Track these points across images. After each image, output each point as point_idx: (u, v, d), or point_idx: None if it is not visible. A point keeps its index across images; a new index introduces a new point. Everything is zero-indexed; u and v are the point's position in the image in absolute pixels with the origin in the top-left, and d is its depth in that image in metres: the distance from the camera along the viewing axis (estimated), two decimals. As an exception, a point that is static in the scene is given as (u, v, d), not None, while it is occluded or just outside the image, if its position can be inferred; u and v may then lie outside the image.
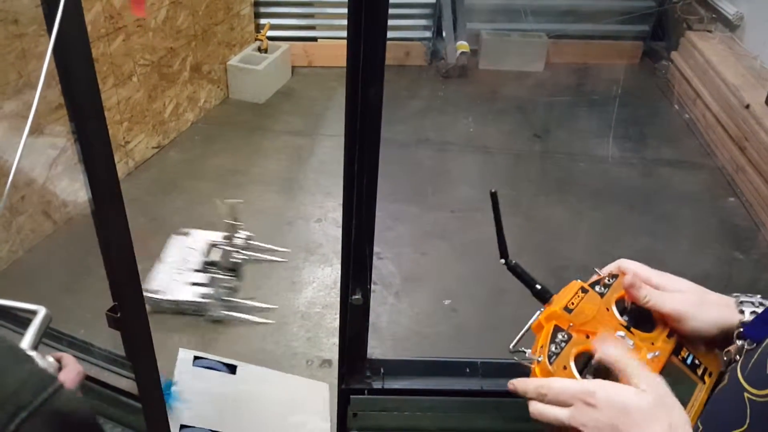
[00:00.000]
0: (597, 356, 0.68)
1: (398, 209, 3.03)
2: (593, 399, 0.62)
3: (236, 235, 2.63)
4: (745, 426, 0.58)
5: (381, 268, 2.68)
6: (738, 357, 0.66)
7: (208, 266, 2.54)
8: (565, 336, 0.70)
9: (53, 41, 0.75)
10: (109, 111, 2.99)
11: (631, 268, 0.77)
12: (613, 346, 0.68)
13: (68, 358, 0.73)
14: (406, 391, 1.27)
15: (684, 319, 0.72)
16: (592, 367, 0.68)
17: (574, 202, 3.20)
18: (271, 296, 2.56)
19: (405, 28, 4.52)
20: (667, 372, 0.70)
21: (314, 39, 4.47)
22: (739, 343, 0.67)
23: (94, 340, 1.41)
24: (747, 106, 3.29)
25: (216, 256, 2.60)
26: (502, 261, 0.77)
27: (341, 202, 1.07)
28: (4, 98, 2.38)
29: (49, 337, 1.36)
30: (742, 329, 0.68)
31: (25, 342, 0.70)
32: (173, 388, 1.84)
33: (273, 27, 4.24)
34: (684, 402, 0.68)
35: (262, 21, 4.28)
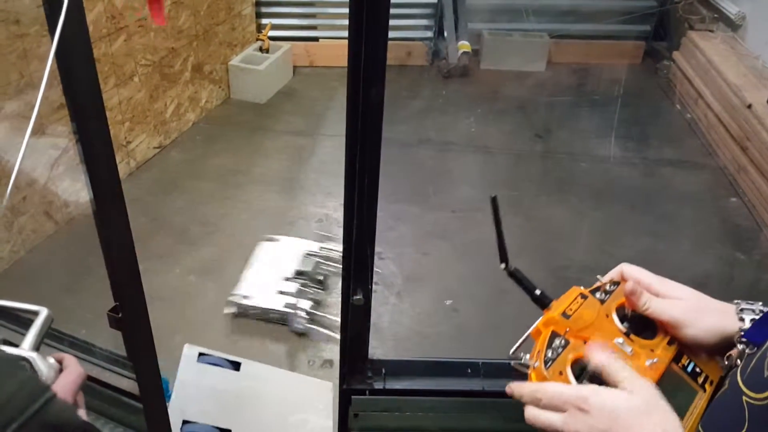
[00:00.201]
0: (588, 362, 0.68)
1: (399, 209, 3.03)
2: (586, 404, 0.63)
3: (329, 247, 2.59)
4: (744, 429, 0.58)
5: (382, 268, 2.68)
6: (739, 361, 0.66)
7: (298, 276, 2.50)
8: (563, 342, 0.70)
9: (56, 43, 0.75)
10: (110, 111, 3.00)
11: (633, 274, 0.77)
12: (603, 352, 0.68)
13: (69, 360, 0.72)
14: (408, 392, 1.27)
15: (683, 327, 0.72)
16: (588, 373, 0.68)
17: (575, 202, 3.19)
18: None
19: (406, 28, 4.52)
20: (667, 380, 0.70)
21: (316, 39, 4.47)
22: (740, 347, 0.67)
23: (96, 340, 1.41)
24: (749, 106, 3.29)
25: (307, 266, 2.55)
26: (502, 266, 0.77)
27: (342, 202, 1.07)
28: (6, 98, 2.38)
29: (50, 337, 1.36)
30: (742, 333, 0.68)
31: (26, 343, 0.69)
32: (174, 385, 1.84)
33: (274, 27, 4.25)
34: (683, 410, 0.68)
35: (264, 21, 4.28)
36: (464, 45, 4.25)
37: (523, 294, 0.79)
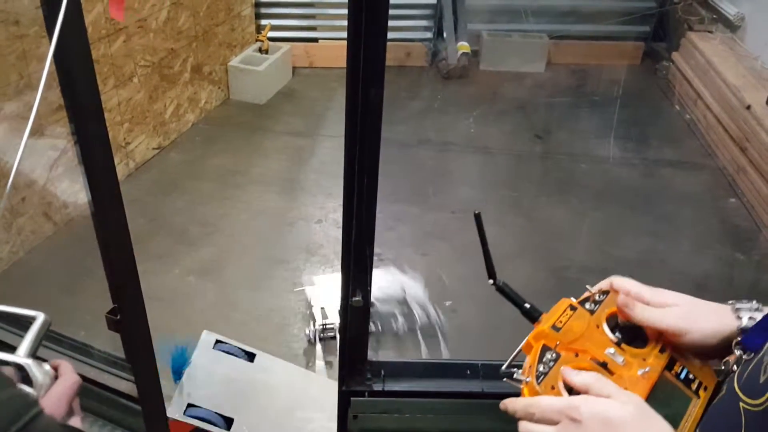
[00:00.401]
0: (570, 385, 0.67)
1: (399, 210, 3.02)
2: (578, 414, 0.63)
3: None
4: None
5: (381, 269, 2.67)
6: (736, 367, 0.66)
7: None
8: (554, 355, 0.70)
9: (54, 46, 0.75)
10: (109, 112, 2.99)
11: (623, 285, 0.76)
12: (583, 373, 0.67)
13: (65, 367, 0.71)
14: (407, 393, 1.27)
15: (683, 334, 0.71)
16: None
17: (575, 202, 3.19)
18: (271, 298, 2.56)
19: (406, 29, 4.52)
20: (660, 388, 0.69)
21: (315, 40, 4.47)
22: (737, 353, 0.67)
23: (94, 342, 1.41)
24: (748, 107, 3.29)
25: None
26: (491, 282, 0.77)
27: (342, 202, 1.07)
28: (5, 99, 2.38)
29: (49, 339, 1.36)
30: (740, 339, 0.68)
31: (22, 349, 0.68)
32: (190, 363, 1.84)
33: (274, 28, 4.24)
34: (678, 417, 0.68)
35: (263, 22, 4.27)
36: (463, 46, 4.25)
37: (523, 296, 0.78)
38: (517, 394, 0.70)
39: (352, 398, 1.26)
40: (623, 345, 0.72)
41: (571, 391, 0.68)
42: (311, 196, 3.17)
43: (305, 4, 4.47)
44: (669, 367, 0.72)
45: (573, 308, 0.74)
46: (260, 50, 4.13)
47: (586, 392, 0.66)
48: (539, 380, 0.68)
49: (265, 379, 1.97)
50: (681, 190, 3.35)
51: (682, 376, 0.72)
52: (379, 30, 0.90)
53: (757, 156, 3.15)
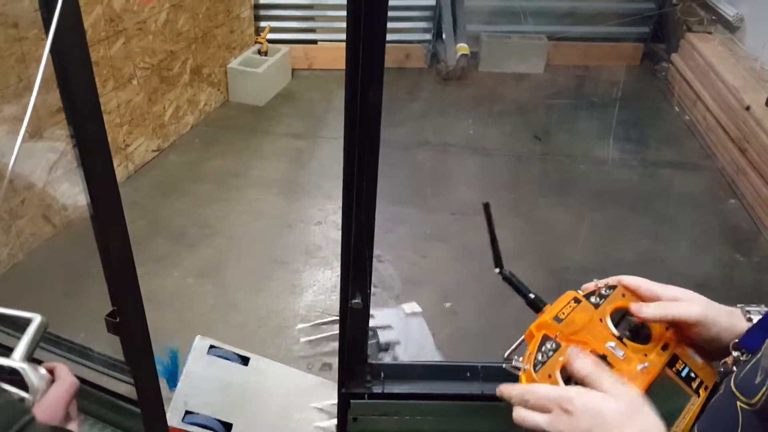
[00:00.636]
0: (569, 371, 0.68)
1: (398, 211, 3.02)
2: (570, 405, 0.63)
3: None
4: None
5: (381, 271, 2.67)
6: (734, 368, 0.67)
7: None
8: (553, 345, 0.71)
9: (48, 46, 0.75)
10: (109, 114, 2.99)
11: (633, 282, 0.77)
12: (585, 360, 0.68)
13: (61, 370, 0.70)
14: (407, 396, 1.27)
15: (707, 325, 0.72)
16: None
17: (574, 204, 3.19)
18: (272, 299, 2.56)
19: (405, 31, 4.53)
20: (660, 384, 0.70)
21: (314, 42, 4.47)
22: (734, 354, 0.68)
23: (94, 344, 1.40)
24: (747, 108, 3.29)
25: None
26: (497, 270, 0.78)
27: (341, 204, 1.07)
28: (4, 102, 2.38)
29: (48, 342, 1.36)
30: (736, 340, 0.69)
31: (18, 353, 0.68)
32: (184, 369, 1.84)
33: (273, 30, 4.25)
34: (675, 414, 0.69)
35: (262, 24, 4.28)
36: (463, 47, 4.25)
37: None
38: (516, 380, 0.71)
39: (351, 400, 1.26)
40: (625, 340, 0.72)
41: (568, 381, 0.68)
42: (310, 198, 3.17)
43: (304, 6, 4.47)
44: (671, 364, 0.73)
45: (577, 301, 0.75)
46: (259, 52, 4.13)
47: (582, 379, 0.66)
48: (537, 368, 0.69)
49: (260, 382, 1.96)
50: (680, 192, 3.35)
51: (684, 374, 0.73)
52: (378, 31, 0.90)
53: (757, 157, 3.15)
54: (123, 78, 3.05)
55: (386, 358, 2.03)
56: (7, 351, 0.68)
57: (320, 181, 3.28)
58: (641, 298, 0.76)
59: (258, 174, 3.34)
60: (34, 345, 0.69)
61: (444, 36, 4.37)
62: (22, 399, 0.65)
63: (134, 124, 3.20)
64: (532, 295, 0.77)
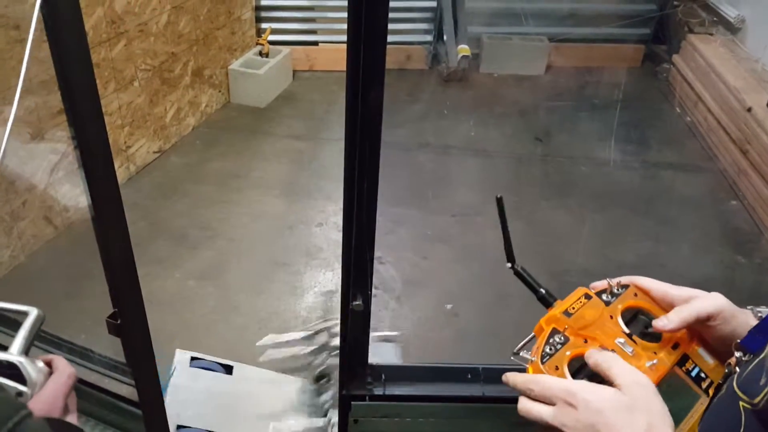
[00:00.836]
0: (586, 360, 0.69)
1: (399, 213, 3.02)
2: (574, 399, 0.64)
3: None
4: None
5: (382, 273, 2.67)
6: (737, 368, 0.67)
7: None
8: (562, 338, 0.72)
9: (29, 47, 0.75)
10: (110, 116, 2.99)
11: (647, 284, 0.78)
12: (601, 350, 0.69)
13: (59, 361, 0.70)
14: (408, 397, 1.27)
15: (727, 317, 0.72)
16: (587, 370, 0.69)
17: (575, 205, 3.19)
18: (272, 300, 2.55)
19: (406, 32, 4.53)
20: (669, 382, 0.71)
21: (315, 43, 4.48)
22: (737, 354, 0.68)
23: (95, 346, 1.40)
24: (749, 109, 3.29)
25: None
26: (509, 265, 0.79)
27: (342, 206, 1.07)
28: (5, 103, 2.38)
29: (49, 343, 1.36)
30: (739, 341, 0.69)
31: (15, 347, 0.67)
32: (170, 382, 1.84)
33: (274, 31, 4.25)
34: (683, 413, 0.69)
35: (264, 25, 4.28)
36: (464, 49, 4.25)
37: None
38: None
39: (352, 402, 1.26)
40: (635, 337, 0.73)
41: (576, 374, 0.69)
42: (311, 200, 3.17)
43: (305, 8, 4.48)
44: (681, 364, 0.73)
45: (588, 297, 0.76)
46: (260, 54, 4.13)
47: (594, 366, 0.67)
48: (544, 360, 0.69)
49: (247, 390, 1.96)
50: (682, 193, 3.35)
51: (693, 373, 0.73)
52: (378, 33, 0.90)
53: (758, 158, 3.15)
54: (124, 80, 3.05)
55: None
56: (3, 347, 0.67)
57: (321, 183, 3.28)
58: (654, 299, 0.77)
59: (259, 175, 3.35)
60: (31, 338, 0.69)
61: (445, 37, 4.37)
62: (21, 393, 0.65)
63: (135, 125, 3.21)
64: (542, 291, 0.78)
